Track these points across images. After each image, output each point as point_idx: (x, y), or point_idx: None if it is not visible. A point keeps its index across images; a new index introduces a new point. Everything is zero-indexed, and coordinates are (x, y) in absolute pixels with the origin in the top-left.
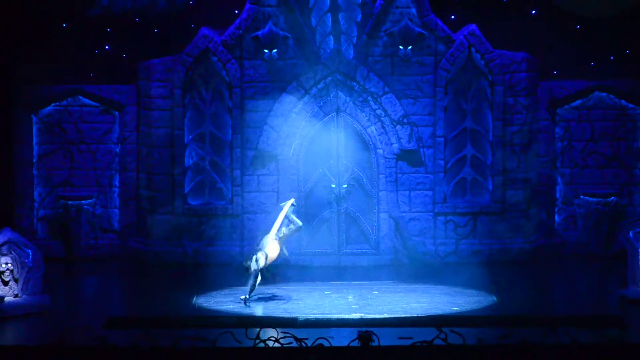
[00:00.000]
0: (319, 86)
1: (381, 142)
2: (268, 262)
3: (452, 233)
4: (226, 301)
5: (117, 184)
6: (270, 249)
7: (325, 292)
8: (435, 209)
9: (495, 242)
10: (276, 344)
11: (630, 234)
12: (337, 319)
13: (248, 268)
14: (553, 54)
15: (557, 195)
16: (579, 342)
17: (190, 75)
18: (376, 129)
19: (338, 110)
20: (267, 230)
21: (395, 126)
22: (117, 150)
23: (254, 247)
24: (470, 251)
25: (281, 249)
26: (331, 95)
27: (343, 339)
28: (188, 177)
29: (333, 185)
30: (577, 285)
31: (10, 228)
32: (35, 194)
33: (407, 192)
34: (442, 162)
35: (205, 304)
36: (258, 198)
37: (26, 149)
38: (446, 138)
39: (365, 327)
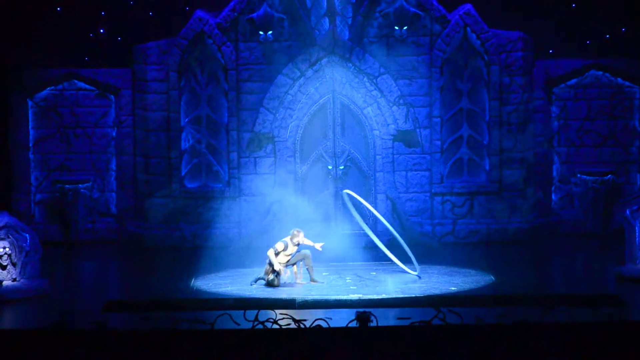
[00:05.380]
0: (315, 68)
1: (377, 123)
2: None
3: (450, 213)
4: (224, 283)
5: (114, 167)
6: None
7: (323, 274)
8: (432, 190)
9: (493, 222)
10: (274, 326)
11: (627, 211)
12: (336, 300)
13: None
14: (549, 33)
15: (554, 174)
16: (576, 320)
17: (186, 58)
18: (372, 110)
19: (334, 92)
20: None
21: (391, 107)
22: (114, 134)
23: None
24: (467, 231)
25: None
26: (327, 76)
27: (341, 319)
28: (185, 160)
29: (330, 167)
30: (575, 263)
31: (7, 212)
32: (32, 178)
33: (404, 173)
34: (438, 143)
35: (203, 287)
36: (255, 180)
37: (22, 133)
38: (442, 118)
39: (364, 308)
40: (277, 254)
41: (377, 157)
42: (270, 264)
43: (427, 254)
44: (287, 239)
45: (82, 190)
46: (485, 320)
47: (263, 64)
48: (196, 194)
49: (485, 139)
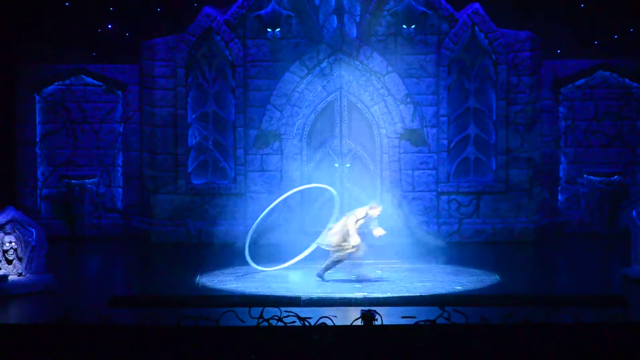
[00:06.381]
0: (322, 65)
1: (384, 122)
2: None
3: (456, 212)
4: (229, 280)
5: (121, 163)
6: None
7: (329, 271)
8: (439, 189)
9: (499, 222)
10: (279, 323)
11: (634, 212)
12: (341, 298)
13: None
14: (557, 33)
15: (561, 174)
16: (582, 321)
17: (194, 55)
18: (379, 109)
19: (341, 90)
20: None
21: (398, 105)
22: (120, 129)
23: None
24: (473, 230)
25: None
26: (334, 74)
27: (346, 318)
28: (191, 157)
29: (336, 165)
30: (580, 264)
31: (13, 207)
32: (39, 173)
33: (410, 172)
34: (445, 142)
35: (208, 283)
36: (261, 177)
37: (29, 128)
38: (449, 117)
39: (369, 307)
40: (356, 221)
41: (384, 155)
42: (344, 235)
43: (432, 253)
44: (366, 208)
45: (88, 185)
46: (490, 320)
47: (270, 61)
48: (202, 191)
49: (492, 139)
